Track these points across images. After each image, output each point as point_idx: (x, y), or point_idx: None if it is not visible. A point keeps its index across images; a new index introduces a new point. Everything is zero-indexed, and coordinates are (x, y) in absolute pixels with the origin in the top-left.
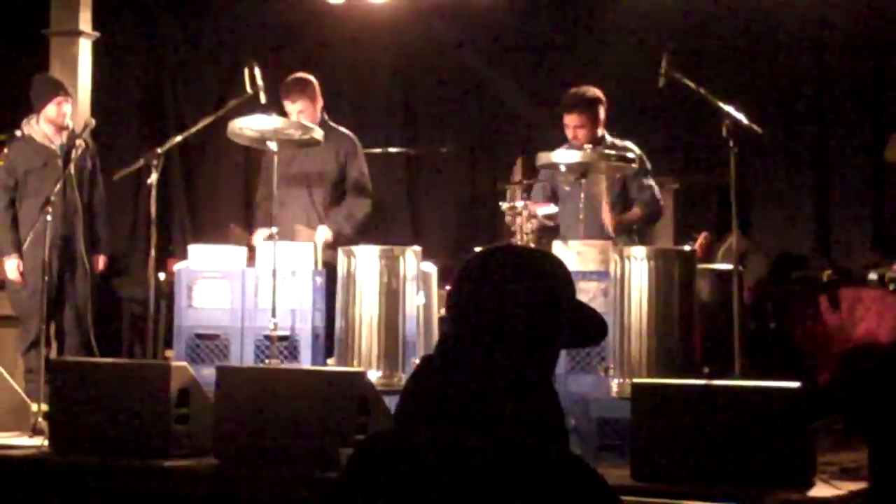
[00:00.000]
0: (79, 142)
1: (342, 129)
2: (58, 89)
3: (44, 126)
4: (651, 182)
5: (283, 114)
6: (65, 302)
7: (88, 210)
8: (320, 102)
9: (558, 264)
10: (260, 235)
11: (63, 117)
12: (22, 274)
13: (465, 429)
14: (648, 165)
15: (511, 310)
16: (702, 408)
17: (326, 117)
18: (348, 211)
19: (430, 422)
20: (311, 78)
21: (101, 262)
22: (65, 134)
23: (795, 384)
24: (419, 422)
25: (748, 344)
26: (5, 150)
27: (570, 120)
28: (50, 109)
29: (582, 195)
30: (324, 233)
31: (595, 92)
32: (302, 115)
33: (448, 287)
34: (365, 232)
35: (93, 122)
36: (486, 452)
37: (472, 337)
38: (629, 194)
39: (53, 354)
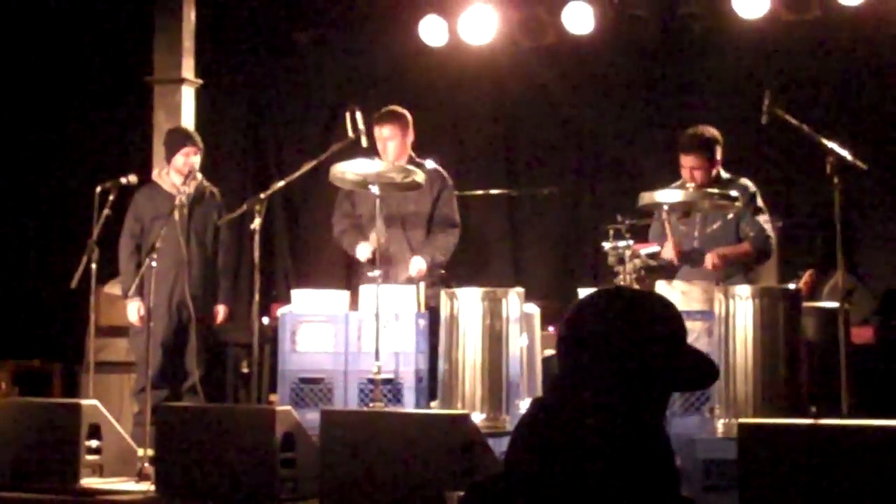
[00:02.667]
0: (207, 193)
1: (431, 164)
2: (186, 140)
3: (173, 176)
4: (762, 219)
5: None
6: (180, 348)
7: (211, 260)
8: (411, 137)
9: (668, 306)
10: (364, 249)
11: (188, 167)
12: (141, 318)
13: (576, 472)
14: (760, 202)
15: (622, 352)
16: (809, 447)
17: (414, 154)
18: (437, 241)
19: (541, 465)
20: (406, 112)
21: (222, 312)
22: (193, 184)
23: None
24: (530, 465)
25: (855, 382)
26: (135, 196)
27: (687, 161)
28: (178, 159)
29: (696, 234)
30: (418, 263)
31: (712, 132)
32: (391, 143)
33: (551, 328)
34: (461, 268)
35: (197, 172)
36: (598, 496)
37: (583, 379)
38: (740, 231)
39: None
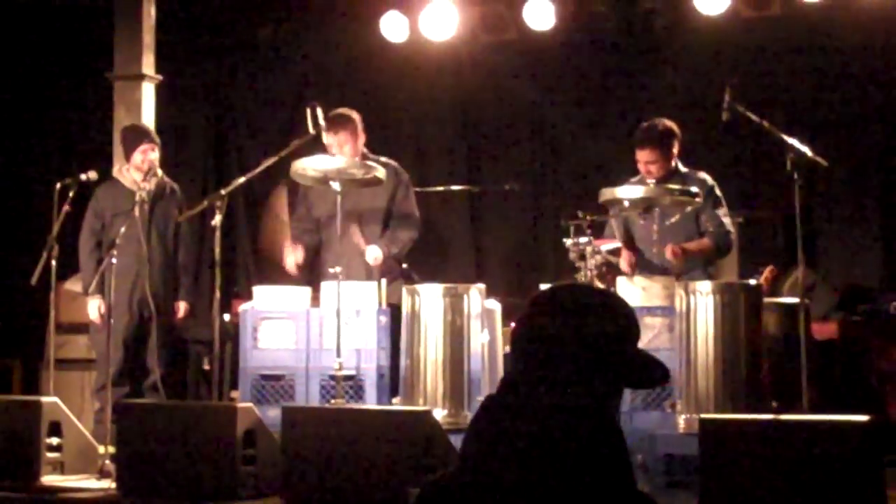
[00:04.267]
0: (167, 189)
1: (384, 159)
2: (143, 137)
3: (133, 172)
4: (721, 212)
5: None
6: (141, 345)
7: (173, 257)
8: (362, 138)
9: (621, 304)
10: (292, 258)
11: (147, 164)
12: (101, 315)
13: (529, 467)
14: (719, 195)
15: (574, 349)
16: (770, 442)
17: (367, 151)
18: (394, 234)
19: (495, 461)
20: (354, 113)
21: (182, 309)
22: (153, 181)
23: (865, 417)
24: (485, 461)
25: (816, 377)
26: (95, 193)
27: (643, 155)
28: (136, 157)
29: (655, 227)
30: (373, 252)
31: (668, 125)
32: (344, 149)
33: (513, 324)
34: (422, 264)
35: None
36: (551, 491)
37: (536, 375)
38: (699, 225)
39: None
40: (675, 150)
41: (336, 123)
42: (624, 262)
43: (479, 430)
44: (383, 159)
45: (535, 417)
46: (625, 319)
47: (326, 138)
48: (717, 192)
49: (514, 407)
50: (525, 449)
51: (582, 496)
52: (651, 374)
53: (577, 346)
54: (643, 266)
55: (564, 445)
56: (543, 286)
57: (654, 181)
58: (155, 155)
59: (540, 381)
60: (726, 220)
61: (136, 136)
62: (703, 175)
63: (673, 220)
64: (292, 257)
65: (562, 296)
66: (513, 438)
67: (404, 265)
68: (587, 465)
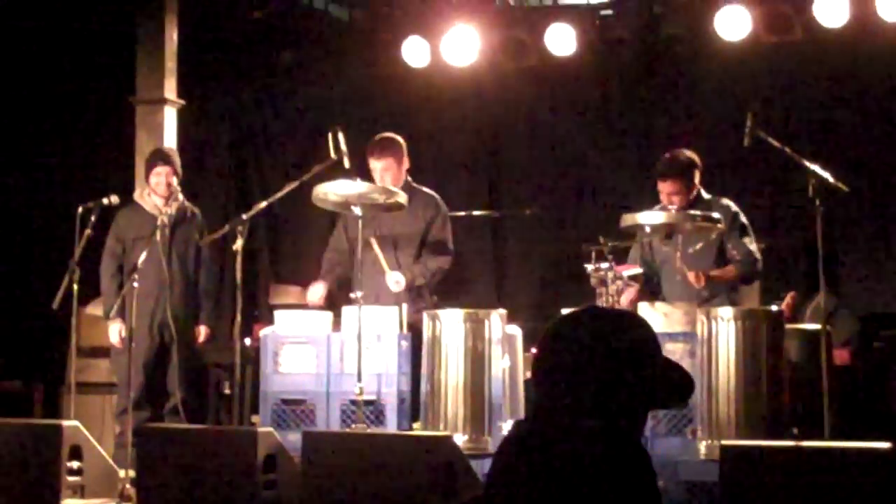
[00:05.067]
0: (188, 213)
1: (426, 189)
2: (156, 159)
3: (154, 197)
4: (747, 240)
5: (368, 177)
6: (162, 369)
7: (193, 281)
8: (406, 164)
9: (643, 326)
10: (314, 291)
11: (160, 186)
12: (122, 339)
13: (557, 494)
14: (745, 221)
15: (597, 373)
16: (791, 469)
17: (410, 179)
18: (423, 262)
19: (522, 488)
20: (400, 139)
21: (203, 333)
22: (175, 205)
23: (887, 445)
24: (511, 488)
25: (838, 404)
26: (116, 217)
27: (665, 187)
28: (151, 179)
29: (678, 254)
30: (396, 277)
31: (689, 156)
32: (387, 175)
33: (534, 350)
34: (444, 289)
35: (179, 193)
36: None
37: (560, 402)
38: (725, 253)
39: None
40: (697, 181)
41: (382, 148)
42: (625, 298)
43: (506, 457)
44: (425, 189)
45: (560, 444)
46: (645, 340)
47: (370, 162)
48: (743, 218)
49: (539, 434)
50: (552, 476)
51: None
52: (675, 389)
53: (599, 370)
54: (665, 292)
55: (591, 472)
56: (564, 311)
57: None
58: (164, 177)
59: (564, 408)
60: (753, 248)
61: (151, 158)
62: (727, 201)
63: (697, 247)
64: (314, 293)
65: (580, 321)
66: (539, 465)
67: (435, 297)
68: (614, 491)
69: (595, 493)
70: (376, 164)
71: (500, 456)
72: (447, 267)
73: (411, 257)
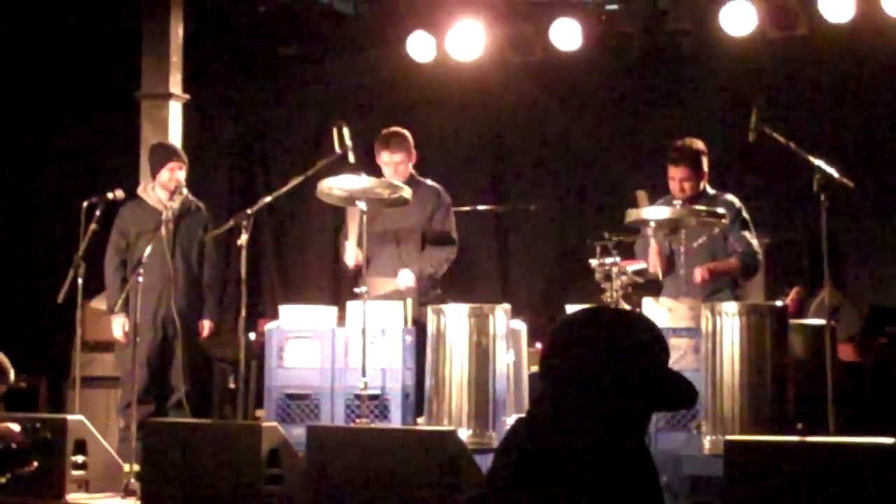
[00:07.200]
0: (192, 208)
1: (429, 181)
2: (171, 155)
3: (158, 191)
4: (748, 234)
5: (372, 172)
6: (166, 364)
7: (197, 275)
8: (414, 158)
9: (649, 327)
10: (350, 253)
11: (174, 183)
12: (126, 334)
13: (559, 489)
14: (747, 217)
15: (602, 372)
16: (795, 465)
17: (414, 172)
18: (428, 254)
19: (523, 484)
20: (407, 133)
21: (207, 327)
22: (179, 199)
23: (891, 440)
24: (513, 484)
25: (842, 400)
26: (120, 211)
27: (676, 172)
28: (163, 175)
29: (682, 249)
30: (406, 276)
31: (699, 145)
32: (400, 168)
33: (538, 345)
34: (448, 283)
35: (183, 187)
36: None
37: (564, 399)
38: (728, 247)
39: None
40: (706, 169)
41: (398, 142)
42: (655, 264)
43: (508, 453)
44: (428, 182)
45: (563, 441)
46: (651, 342)
47: (383, 156)
48: (745, 214)
49: (542, 430)
50: (554, 473)
51: None
52: (679, 395)
53: (603, 369)
54: (670, 289)
55: (593, 469)
56: (569, 307)
57: (682, 201)
58: (182, 173)
59: (567, 406)
60: (754, 242)
61: (164, 153)
62: (731, 197)
63: (700, 241)
64: (352, 254)
65: (587, 319)
66: (541, 462)
67: (439, 290)
68: (616, 488)
69: (597, 491)
70: (392, 158)
71: (501, 452)
72: (453, 257)
73: (415, 251)
